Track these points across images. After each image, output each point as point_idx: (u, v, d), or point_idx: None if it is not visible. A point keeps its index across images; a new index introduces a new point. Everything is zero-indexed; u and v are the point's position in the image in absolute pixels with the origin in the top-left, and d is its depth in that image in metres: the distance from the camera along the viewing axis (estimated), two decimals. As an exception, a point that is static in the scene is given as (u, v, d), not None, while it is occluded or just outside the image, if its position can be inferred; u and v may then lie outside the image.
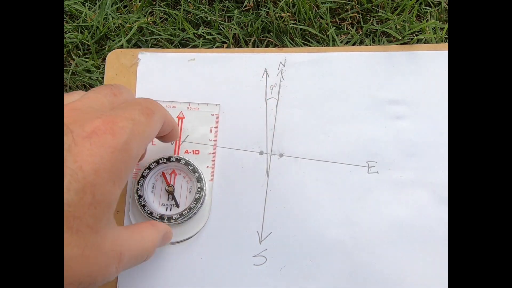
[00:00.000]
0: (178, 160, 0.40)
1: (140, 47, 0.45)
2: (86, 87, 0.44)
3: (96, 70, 0.44)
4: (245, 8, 0.46)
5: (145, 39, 0.45)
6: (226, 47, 0.45)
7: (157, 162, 0.40)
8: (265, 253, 0.38)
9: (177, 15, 0.45)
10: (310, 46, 0.44)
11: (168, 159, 0.40)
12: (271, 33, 0.45)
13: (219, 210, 0.40)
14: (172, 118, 0.35)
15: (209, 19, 0.46)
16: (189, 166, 0.39)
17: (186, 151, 0.41)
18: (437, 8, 0.46)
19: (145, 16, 0.46)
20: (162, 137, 0.37)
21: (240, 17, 0.45)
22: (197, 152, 0.41)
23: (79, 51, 0.45)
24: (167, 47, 0.45)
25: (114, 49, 0.44)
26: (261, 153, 0.41)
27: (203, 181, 0.39)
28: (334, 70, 0.43)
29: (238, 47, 0.45)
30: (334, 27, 0.45)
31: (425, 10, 0.46)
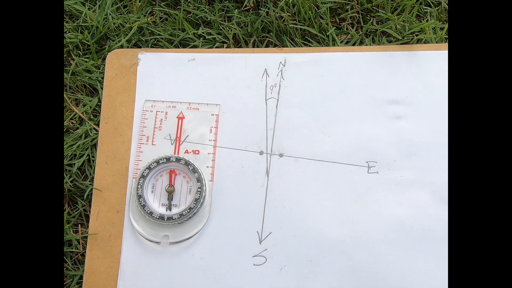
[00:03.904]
0: (178, 160, 0.40)
1: (140, 47, 0.45)
2: (86, 87, 0.44)
3: (96, 70, 0.44)
4: (245, 8, 0.46)
5: (145, 39, 0.45)
6: (226, 47, 0.45)
7: (157, 162, 0.40)
8: (265, 253, 0.38)
9: (177, 15, 0.45)
10: (310, 46, 0.44)
11: (168, 159, 0.40)
12: (271, 33, 0.45)
13: (219, 210, 0.40)
14: None
15: (209, 19, 0.46)
16: (189, 166, 0.39)
17: (186, 151, 0.41)
18: (437, 8, 0.46)
19: (145, 16, 0.46)
20: None
21: (240, 17, 0.45)
22: (197, 152, 0.41)
23: (79, 51, 0.45)
24: (167, 47, 0.45)
25: (114, 49, 0.44)
26: (261, 153, 0.41)
27: (203, 181, 0.39)
28: (334, 70, 0.43)
29: (238, 47, 0.45)
30: (334, 27, 0.45)
31: (425, 10, 0.46)
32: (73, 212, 0.40)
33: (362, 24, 0.45)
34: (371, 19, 0.45)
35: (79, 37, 0.45)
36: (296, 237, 0.39)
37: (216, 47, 0.45)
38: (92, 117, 0.43)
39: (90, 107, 0.43)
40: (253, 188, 0.40)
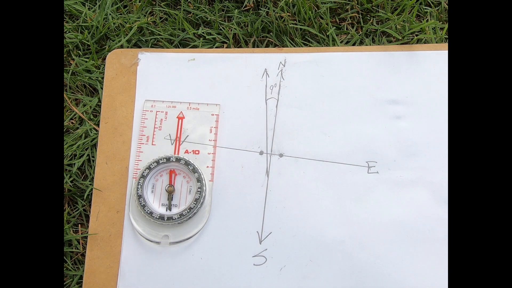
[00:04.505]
0: (178, 160, 0.40)
1: (140, 47, 0.45)
2: (86, 87, 0.44)
3: (96, 70, 0.44)
4: (245, 8, 0.46)
5: (145, 39, 0.45)
6: (226, 47, 0.45)
7: (157, 162, 0.40)
8: (265, 253, 0.38)
9: (177, 15, 0.45)
10: (310, 46, 0.44)
11: (168, 159, 0.40)
12: (271, 33, 0.45)
13: (219, 210, 0.39)
14: None
15: (209, 19, 0.46)
16: (189, 166, 0.39)
17: (186, 151, 0.41)
18: (437, 8, 0.46)
19: (145, 16, 0.46)
20: None
21: (240, 17, 0.45)
22: (197, 152, 0.41)
23: (79, 51, 0.45)
24: (167, 47, 0.45)
25: (114, 49, 0.44)
26: (261, 153, 0.41)
27: (203, 181, 0.39)
28: (334, 70, 0.43)
29: (238, 47, 0.45)
30: (334, 27, 0.45)
31: (425, 10, 0.46)
32: (73, 212, 0.40)
33: (362, 24, 0.45)
34: (371, 19, 0.45)
35: (79, 37, 0.45)
36: (296, 237, 0.39)
37: (216, 47, 0.45)
38: (92, 117, 0.43)
39: (90, 107, 0.43)
40: (253, 188, 0.40)
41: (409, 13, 0.45)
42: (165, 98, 0.42)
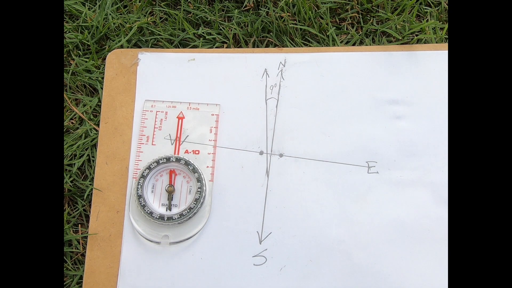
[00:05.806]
0: (178, 160, 0.40)
1: (140, 47, 0.45)
2: (86, 87, 0.44)
3: (96, 70, 0.44)
4: (245, 8, 0.46)
5: (145, 39, 0.45)
6: (226, 47, 0.45)
7: (157, 162, 0.40)
8: (265, 253, 0.38)
9: (177, 15, 0.45)
10: (310, 46, 0.44)
11: (168, 159, 0.40)
12: (271, 33, 0.45)
13: (219, 210, 0.40)
14: None
15: (209, 19, 0.46)
16: (189, 166, 0.39)
17: (186, 151, 0.41)
18: (437, 8, 0.46)
19: (145, 16, 0.46)
20: None
21: (240, 17, 0.45)
22: (197, 152, 0.41)
23: (79, 51, 0.45)
24: (167, 47, 0.45)
25: (114, 49, 0.44)
26: (261, 153, 0.41)
27: (203, 181, 0.39)
28: (334, 70, 0.43)
29: (238, 47, 0.45)
30: (334, 27, 0.45)
31: (425, 10, 0.46)
32: (73, 212, 0.40)
33: (362, 24, 0.45)
34: (371, 19, 0.45)
35: (79, 37, 0.45)
36: (296, 237, 0.39)
37: (216, 47, 0.45)
38: (92, 117, 0.43)
39: (90, 107, 0.43)
40: (253, 188, 0.40)
41: (409, 13, 0.45)
42: (165, 98, 0.42)
